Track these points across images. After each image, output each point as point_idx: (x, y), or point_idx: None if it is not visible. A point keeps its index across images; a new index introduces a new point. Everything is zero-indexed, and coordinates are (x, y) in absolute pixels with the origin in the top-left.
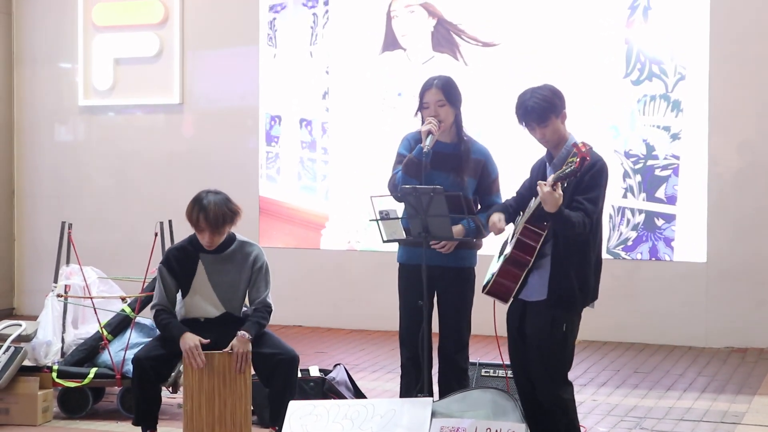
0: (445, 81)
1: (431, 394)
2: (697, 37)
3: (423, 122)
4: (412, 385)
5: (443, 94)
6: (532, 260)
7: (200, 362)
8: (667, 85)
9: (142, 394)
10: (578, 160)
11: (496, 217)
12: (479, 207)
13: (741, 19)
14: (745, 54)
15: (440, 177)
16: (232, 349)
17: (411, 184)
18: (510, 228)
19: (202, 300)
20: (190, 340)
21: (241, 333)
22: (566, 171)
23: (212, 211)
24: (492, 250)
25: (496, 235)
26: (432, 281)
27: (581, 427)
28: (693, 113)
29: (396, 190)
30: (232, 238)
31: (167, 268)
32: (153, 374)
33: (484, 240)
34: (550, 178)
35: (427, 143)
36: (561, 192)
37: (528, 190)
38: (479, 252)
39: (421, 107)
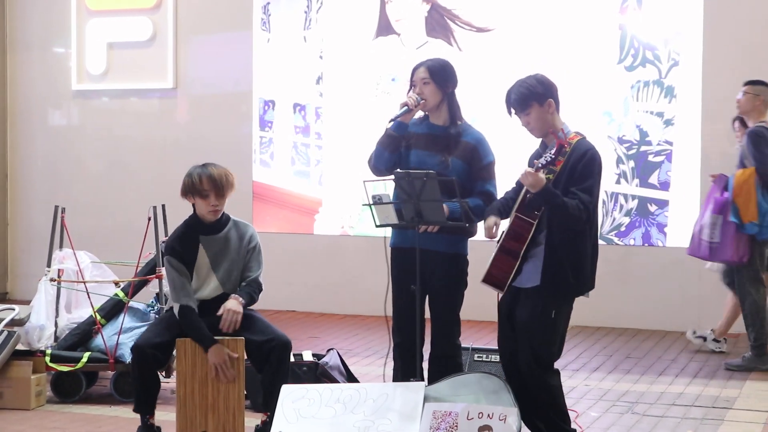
0: (435, 61)
1: (423, 379)
2: (691, 23)
3: None
4: (404, 369)
5: (429, 73)
6: (523, 249)
7: (230, 377)
8: (660, 71)
9: (141, 380)
10: (557, 146)
11: (492, 221)
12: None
13: (735, 5)
14: (739, 40)
15: (427, 156)
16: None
17: (384, 157)
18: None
19: (203, 282)
20: (221, 355)
21: (234, 295)
22: (547, 158)
23: (215, 173)
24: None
25: (489, 239)
26: (423, 266)
27: (573, 412)
28: (686, 99)
29: (371, 164)
30: (227, 218)
31: (177, 258)
32: (153, 361)
33: (477, 227)
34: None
35: (399, 113)
36: (543, 175)
37: None
38: (474, 239)
39: (411, 85)
